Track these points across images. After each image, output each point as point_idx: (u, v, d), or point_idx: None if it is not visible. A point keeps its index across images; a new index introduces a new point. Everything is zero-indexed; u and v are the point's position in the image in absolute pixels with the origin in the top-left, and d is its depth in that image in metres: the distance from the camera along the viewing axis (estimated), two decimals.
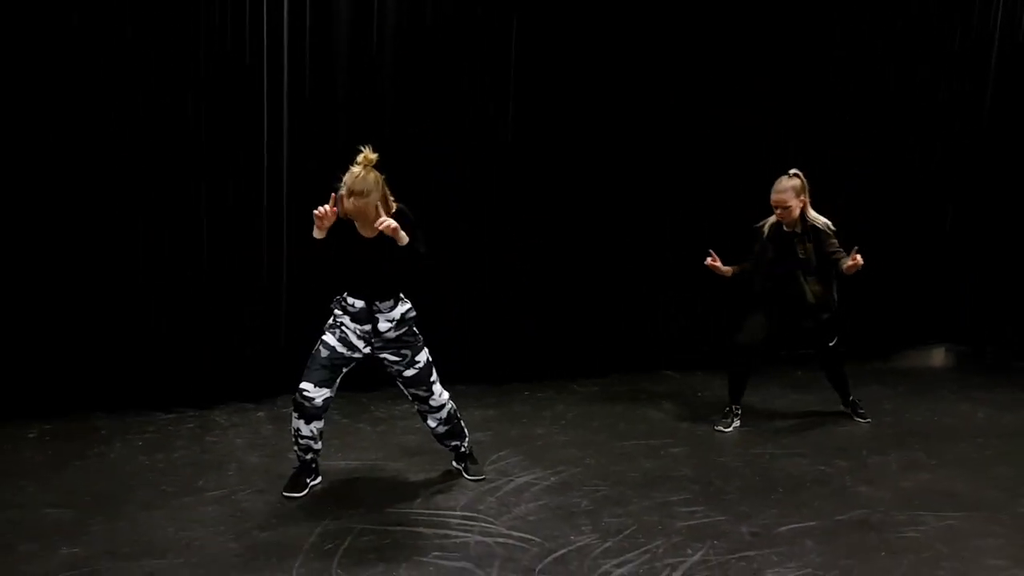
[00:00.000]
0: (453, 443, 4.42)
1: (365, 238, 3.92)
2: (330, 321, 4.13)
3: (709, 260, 5.35)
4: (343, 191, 3.80)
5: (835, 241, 5.12)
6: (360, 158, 3.83)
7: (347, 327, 4.06)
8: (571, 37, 6.29)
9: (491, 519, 3.90)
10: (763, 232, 5.29)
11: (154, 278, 5.35)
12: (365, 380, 5.74)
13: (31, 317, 5.12)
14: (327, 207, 3.76)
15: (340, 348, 4.06)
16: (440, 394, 4.23)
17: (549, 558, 3.54)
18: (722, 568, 3.51)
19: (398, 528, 3.78)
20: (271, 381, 5.71)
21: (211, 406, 5.47)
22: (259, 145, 5.48)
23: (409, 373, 4.14)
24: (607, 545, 3.68)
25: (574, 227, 6.57)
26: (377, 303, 4.02)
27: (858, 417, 5.66)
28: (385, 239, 3.84)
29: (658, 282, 6.86)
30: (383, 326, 4.04)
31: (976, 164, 8.01)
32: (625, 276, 6.79)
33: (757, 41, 6.86)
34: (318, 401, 4.01)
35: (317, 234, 3.82)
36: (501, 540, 3.69)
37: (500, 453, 4.81)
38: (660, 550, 3.65)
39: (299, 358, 5.62)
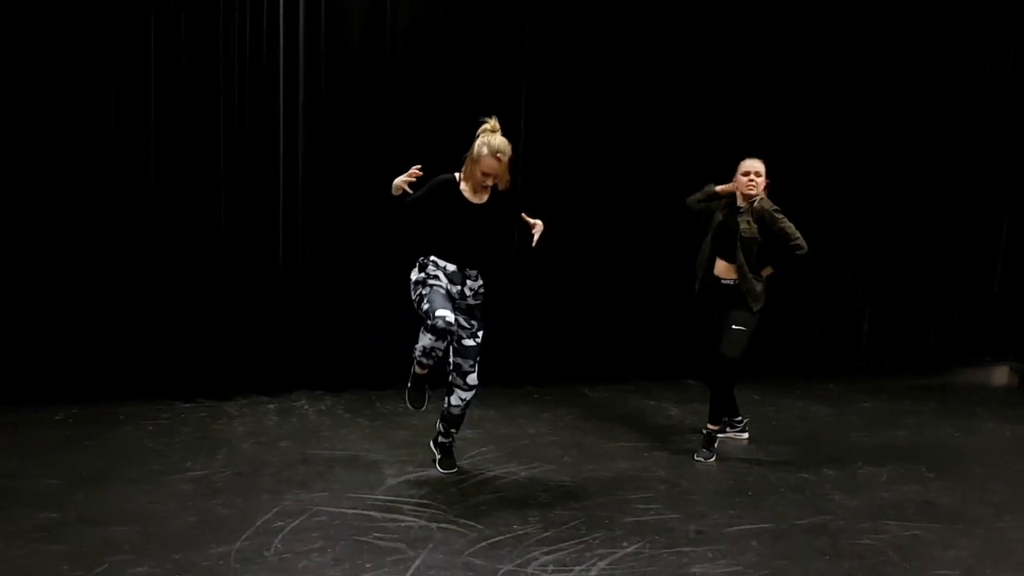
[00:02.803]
0: (451, 430, 4.55)
1: (474, 204, 4.21)
2: (422, 276, 4.22)
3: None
4: (484, 152, 4.08)
5: (789, 223, 4.77)
6: (490, 125, 4.15)
7: (440, 279, 4.22)
8: (586, 48, 6.41)
9: (444, 507, 4.03)
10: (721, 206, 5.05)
11: (185, 277, 5.74)
12: (377, 378, 6.04)
13: (73, 312, 5.58)
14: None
15: (450, 287, 4.22)
16: (476, 376, 4.38)
17: (483, 543, 3.64)
18: (651, 561, 3.52)
19: (352, 511, 3.95)
20: (288, 377, 6.02)
21: (228, 397, 5.80)
22: (276, 143, 5.81)
23: (468, 343, 4.33)
24: (546, 535, 3.74)
25: (600, 231, 6.64)
26: (468, 270, 4.28)
27: (702, 454, 4.94)
28: (493, 207, 4.22)
29: (686, 289, 6.81)
30: (468, 291, 4.30)
31: None
32: (651, 282, 6.80)
33: (799, 54, 6.83)
34: (450, 318, 4.04)
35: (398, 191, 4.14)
36: (444, 526, 3.81)
37: (482, 449, 4.93)
38: (596, 542, 3.69)
39: (315, 357, 5.98)
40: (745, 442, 5.32)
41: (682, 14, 6.60)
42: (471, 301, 4.32)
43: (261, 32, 5.70)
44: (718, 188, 5.01)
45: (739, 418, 5.40)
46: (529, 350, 6.53)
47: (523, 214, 4.36)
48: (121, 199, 5.59)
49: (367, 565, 3.40)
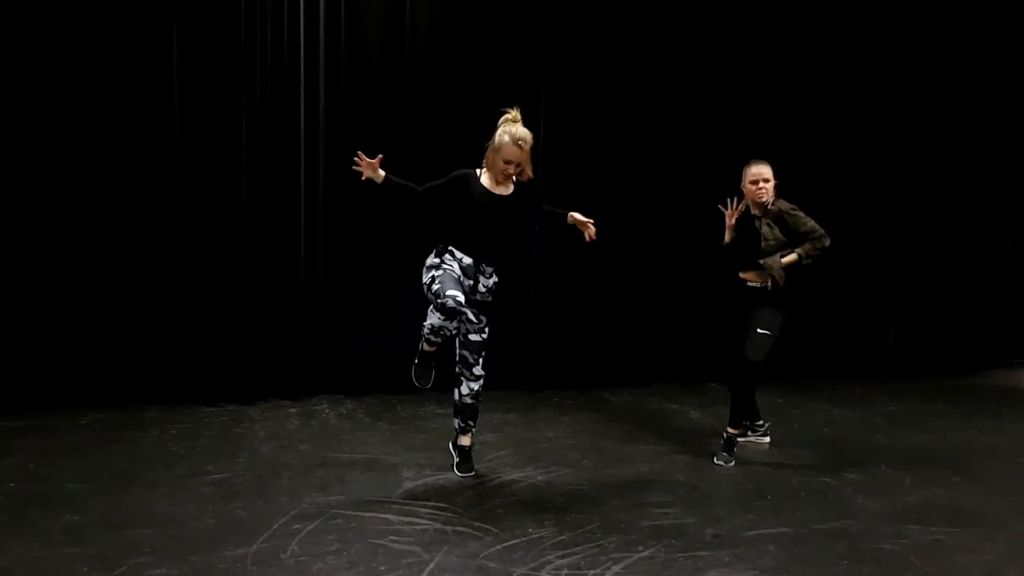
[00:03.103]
0: (468, 422, 4.56)
1: (495, 194, 4.26)
2: (436, 261, 4.26)
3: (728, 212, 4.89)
4: (506, 139, 4.15)
5: (809, 220, 4.74)
6: (511, 115, 4.22)
7: (455, 269, 4.24)
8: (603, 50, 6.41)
9: (460, 511, 4.03)
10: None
11: (210, 283, 5.84)
12: (398, 382, 6.05)
13: (100, 317, 5.69)
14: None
15: (463, 278, 4.25)
16: (482, 367, 4.46)
17: (498, 547, 3.63)
18: (666, 565, 3.50)
19: (368, 514, 3.96)
20: (310, 381, 6.07)
21: (251, 402, 5.86)
22: (297, 150, 5.89)
23: (474, 338, 4.40)
24: (561, 538, 3.73)
25: (621, 235, 6.60)
26: (484, 265, 4.31)
27: (722, 458, 4.86)
28: (518, 199, 4.28)
29: (708, 291, 6.78)
30: (481, 287, 4.34)
31: None
32: (672, 285, 6.78)
33: (805, 56, 6.81)
34: (460, 299, 4.07)
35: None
36: (460, 529, 3.81)
37: (500, 452, 4.93)
38: (611, 545, 3.67)
39: (337, 361, 6.02)
40: (767, 446, 5.28)
41: (692, 22, 6.61)
42: (482, 297, 4.35)
43: (282, 39, 5.78)
44: (729, 239, 4.92)
45: (760, 422, 5.35)
46: (550, 354, 6.53)
47: (571, 213, 4.40)
48: (147, 205, 5.69)
49: (382, 568, 3.41)
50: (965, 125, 7.22)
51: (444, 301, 4.06)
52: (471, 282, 4.30)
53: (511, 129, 4.18)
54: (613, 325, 6.71)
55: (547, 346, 6.53)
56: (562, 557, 3.55)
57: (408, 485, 4.37)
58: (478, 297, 4.35)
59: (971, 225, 7.39)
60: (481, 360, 4.43)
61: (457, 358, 4.46)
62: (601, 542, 3.70)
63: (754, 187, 4.80)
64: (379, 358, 6.11)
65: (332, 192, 5.98)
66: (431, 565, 3.45)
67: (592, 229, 4.39)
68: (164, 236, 5.74)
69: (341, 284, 6.09)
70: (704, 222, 5.34)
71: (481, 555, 3.55)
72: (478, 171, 4.31)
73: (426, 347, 4.44)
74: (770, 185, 4.80)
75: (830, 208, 6.95)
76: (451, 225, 4.30)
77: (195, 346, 5.86)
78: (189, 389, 5.85)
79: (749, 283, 4.94)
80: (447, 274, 4.20)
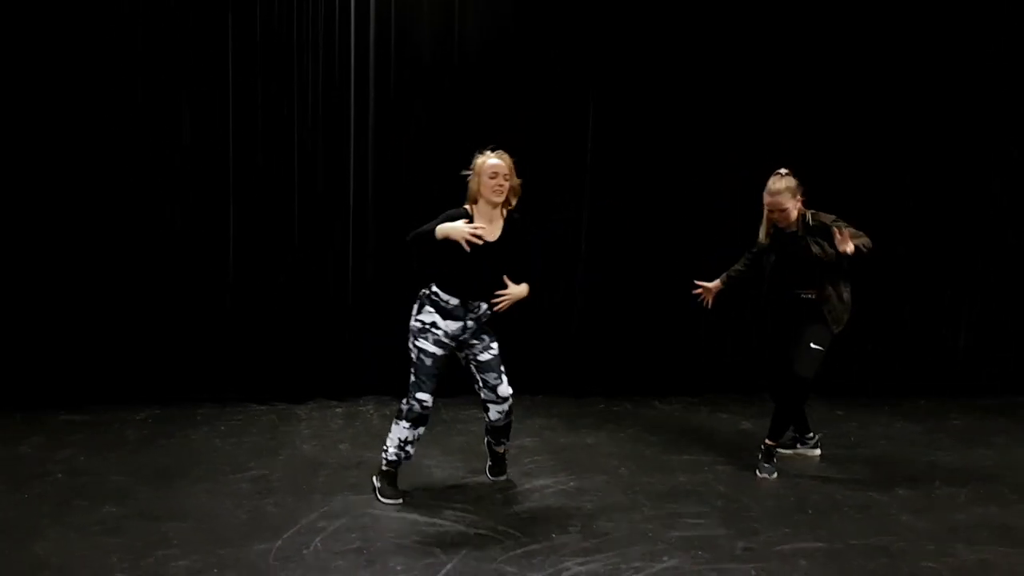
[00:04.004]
0: (501, 440, 4.50)
1: (488, 241, 4.02)
2: (418, 325, 4.15)
3: (701, 292, 5.09)
4: (480, 160, 4.05)
5: (851, 229, 4.53)
6: (493, 151, 4.11)
7: (438, 327, 4.13)
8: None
9: (486, 514, 4.01)
10: (764, 242, 4.86)
11: (267, 287, 6.01)
12: (444, 385, 6.07)
13: (164, 318, 5.90)
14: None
15: (439, 352, 4.16)
16: (507, 385, 4.29)
17: (518, 551, 3.60)
18: None
19: (395, 515, 3.99)
20: (358, 382, 6.15)
21: (301, 401, 5.98)
22: (346, 157, 6.00)
23: (484, 357, 4.23)
24: (584, 545, 3.67)
25: (676, 243, 6.52)
26: (471, 302, 4.17)
27: (763, 470, 4.73)
28: (505, 244, 4.10)
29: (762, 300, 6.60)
30: (470, 322, 4.19)
31: None
32: (729, 293, 6.60)
33: (816, 54, 6.62)
34: (429, 405, 4.14)
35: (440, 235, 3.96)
36: (482, 532, 3.79)
37: (536, 457, 4.90)
38: (634, 554, 3.59)
39: (379, 363, 6.09)
40: (817, 459, 5.10)
41: (704, 21, 6.48)
42: (476, 326, 4.22)
43: (333, 48, 5.91)
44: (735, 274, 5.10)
45: (811, 434, 5.18)
46: (598, 361, 6.46)
47: (505, 277, 4.13)
48: (200, 211, 5.87)
49: (398, 568, 3.42)
50: (978, 123, 6.88)
51: (412, 405, 4.06)
52: (460, 324, 4.14)
53: (491, 158, 4.06)
54: (665, 332, 6.58)
55: (596, 352, 6.45)
56: (581, 564, 3.50)
57: (439, 487, 4.38)
58: (472, 329, 4.20)
59: (984, 224, 7.01)
60: (504, 376, 4.24)
61: (479, 384, 4.27)
62: (624, 550, 3.63)
63: (772, 215, 4.68)
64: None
65: (381, 198, 6.07)
66: (448, 567, 3.44)
67: (506, 301, 4.11)
68: (220, 238, 5.91)
69: (390, 286, 6.14)
70: (736, 225, 5.21)
71: (499, 559, 3.53)
72: (469, 208, 4.12)
73: (386, 469, 4.21)
74: (791, 207, 4.61)
75: (843, 206, 6.72)
76: (439, 263, 4.12)
77: (250, 344, 6.01)
78: (242, 387, 5.99)
79: (803, 295, 4.77)
80: (423, 361, 4.10)
